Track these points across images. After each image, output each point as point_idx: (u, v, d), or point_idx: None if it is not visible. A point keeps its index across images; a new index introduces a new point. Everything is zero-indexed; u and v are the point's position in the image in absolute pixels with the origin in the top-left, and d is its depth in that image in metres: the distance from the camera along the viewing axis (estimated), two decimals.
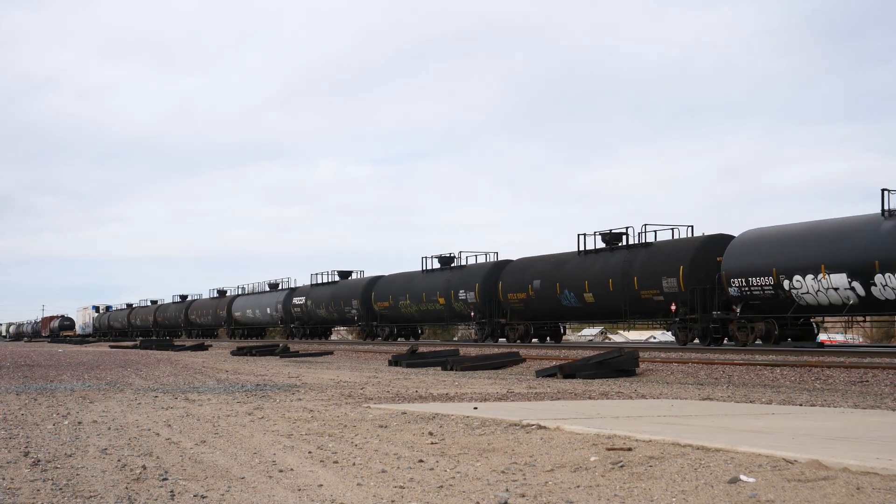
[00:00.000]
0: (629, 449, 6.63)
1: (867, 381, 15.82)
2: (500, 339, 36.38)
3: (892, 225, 22.11)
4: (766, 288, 25.00)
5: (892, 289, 21.74)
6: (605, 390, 14.60)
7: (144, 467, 6.72)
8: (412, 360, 25.14)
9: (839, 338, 45.44)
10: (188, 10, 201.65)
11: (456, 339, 48.52)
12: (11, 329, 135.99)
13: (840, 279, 22.98)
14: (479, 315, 37.25)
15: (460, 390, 14.82)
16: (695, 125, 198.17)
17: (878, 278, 22.03)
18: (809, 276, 23.71)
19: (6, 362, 28.77)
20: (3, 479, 6.30)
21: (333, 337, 55.68)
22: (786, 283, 24.35)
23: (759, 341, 25.68)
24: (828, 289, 23.38)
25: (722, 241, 27.40)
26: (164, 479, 6.23)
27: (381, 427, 8.81)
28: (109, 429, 9.18)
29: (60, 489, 5.92)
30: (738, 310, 25.87)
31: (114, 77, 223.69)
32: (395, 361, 25.50)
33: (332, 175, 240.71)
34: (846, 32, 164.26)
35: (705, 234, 28.79)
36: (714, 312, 26.58)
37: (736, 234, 27.13)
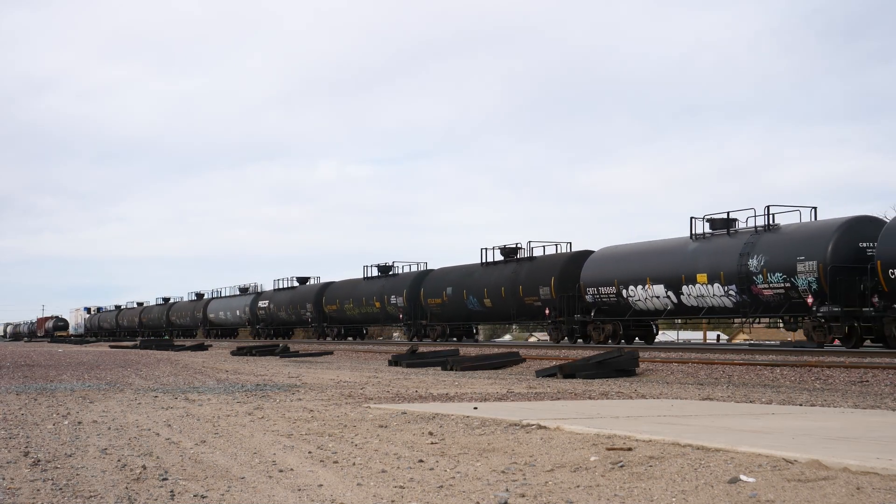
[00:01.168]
0: (629, 449, 6.63)
1: (867, 381, 15.82)
2: (424, 339, 41.52)
3: (695, 246, 28.03)
4: (611, 296, 30.68)
5: (695, 297, 27.83)
6: (605, 390, 14.60)
7: (144, 467, 6.72)
8: (412, 360, 25.14)
9: None
10: (189, 11, 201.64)
11: (393, 336, 54.82)
12: (9, 329, 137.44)
13: (660, 289, 28.93)
14: (406, 317, 42.82)
15: (460, 390, 14.82)
16: (695, 125, 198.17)
17: (685, 289, 27.99)
18: (640, 287, 29.56)
19: (6, 362, 28.77)
20: (3, 479, 6.30)
21: (295, 337, 59.12)
22: (624, 292, 30.04)
23: (609, 340, 30.98)
24: (652, 297, 29.27)
25: (585, 256, 32.90)
26: (164, 479, 6.23)
27: (381, 427, 8.81)
28: (109, 429, 9.18)
29: (60, 489, 5.92)
30: (593, 314, 31.38)
31: (114, 77, 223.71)
32: (395, 361, 25.51)
33: (333, 175, 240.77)
34: (847, 32, 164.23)
35: (571, 250, 34.46)
36: (576, 315, 32.01)
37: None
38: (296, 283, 56.71)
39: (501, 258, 37.20)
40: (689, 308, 28.26)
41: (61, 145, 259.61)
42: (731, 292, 26.52)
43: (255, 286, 63.44)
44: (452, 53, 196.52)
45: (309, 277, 56.38)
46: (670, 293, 28.48)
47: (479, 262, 38.14)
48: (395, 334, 58.51)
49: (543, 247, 35.61)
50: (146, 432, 8.87)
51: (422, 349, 28.91)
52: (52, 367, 25.28)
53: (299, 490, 5.85)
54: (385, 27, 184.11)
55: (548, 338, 35.85)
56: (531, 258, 35.60)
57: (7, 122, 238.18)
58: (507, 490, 5.65)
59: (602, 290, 30.99)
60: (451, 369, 22.09)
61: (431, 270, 42.59)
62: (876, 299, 22.79)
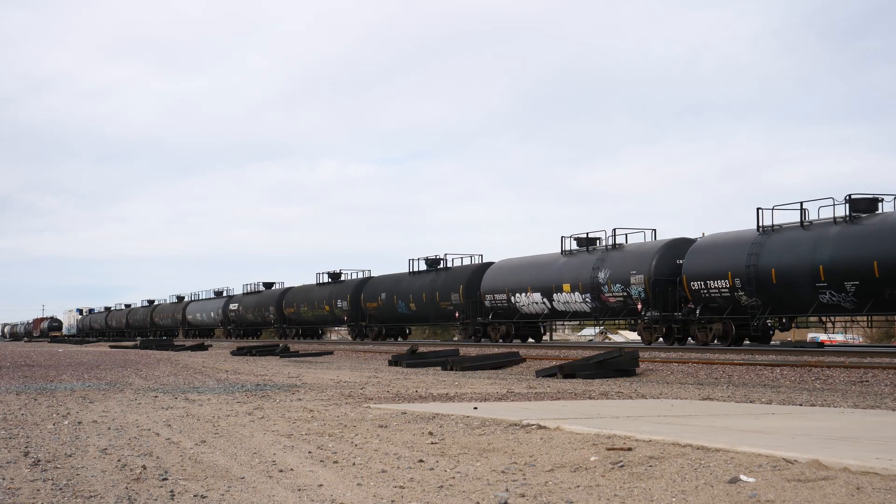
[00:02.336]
0: (629, 449, 6.63)
1: (867, 381, 15.82)
2: (365, 339, 46.20)
3: (564, 261, 33.14)
4: (503, 301, 35.75)
5: (563, 303, 32.89)
6: (605, 390, 14.60)
7: (144, 467, 6.72)
8: (412, 360, 25.14)
9: (839, 338, 45.42)
10: (189, 11, 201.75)
11: (337, 336, 59.06)
12: (6, 329, 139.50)
13: (538, 296, 33.95)
14: (350, 319, 47.72)
15: (460, 390, 14.82)
16: (696, 125, 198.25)
17: (555, 296, 33.02)
18: (524, 294, 34.58)
19: (6, 362, 28.77)
20: (3, 479, 6.30)
21: (263, 338, 63.10)
22: (512, 298, 35.12)
23: (501, 339, 35.81)
24: (532, 303, 34.30)
25: (486, 267, 38.02)
26: (164, 479, 6.23)
27: (381, 427, 8.81)
28: (109, 429, 9.18)
29: (60, 489, 5.92)
30: (491, 316, 36.54)
31: (114, 77, 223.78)
32: (395, 361, 25.50)
33: (334, 175, 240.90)
34: (848, 33, 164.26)
35: (482, 261, 39.04)
36: (478, 318, 37.11)
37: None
38: (262, 288, 61.42)
39: (426, 267, 42.03)
40: (560, 312, 33.47)
41: (61, 145, 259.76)
42: (586, 299, 31.75)
43: (229, 290, 67.80)
44: (453, 53, 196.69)
45: (274, 283, 60.92)
46: (545, 299, 33.64)
47: (408, 271, 43.29)
48: (337, 336, 63.51)
49: (461, 258, 40.84)
50: (146, 432, 8.87)
51: (421, 349, 28.91)
52: (52, 367, 25.28)
53: (299, 490, 5.85)
54: (385, 27, 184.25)
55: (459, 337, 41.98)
56: (447, 268, 40.81)
57: (7, 122, 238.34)
58: (507, 490, 5.64)
59: (497, 296, 36.15)
60: (451, 369, 22.09)
61: (371, 278, 47.75)
62: (691, 305, 27.96)
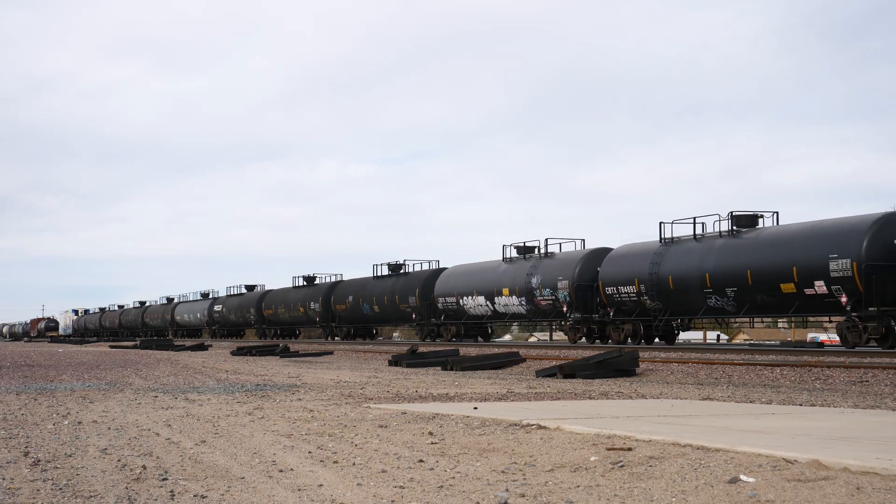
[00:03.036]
0: (629, 449, 6.63)
1: (867, 381, 15.82)
2: (335, 338, 50.17)
3: (504, 267, 36.41)
4: (453, 304, 39.05)
5: (503, 306, 36.18)
6: (605, 390, 14.59)
7: (144, 467, 6.72)
8: (412, 360, 25.13)
9: (839, 338, 45.34)
10: (189, 11, 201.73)
11: (312, 337, 60.91)
12: (5, 329, 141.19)
13: (482, 300, 37.33)
14: (321, 320, 50.94)
15: (460, 390, 14.81)
16: (697, 125, 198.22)
17: (497, 299, 36.36)
18: (470, 297, 37.95)
19: (6, 362, 28.77)
20: (3, 479, 6.30)
21: (246, 338, 65.90)
22: (461, 301, 38.56)
23: (452, 338, 39.18)
24: (478, 305, 37.67)
25: (440, 273, 41.32)
26: (164, 479, 6.23)
27: (381, 427, 8.81)
28: (109, 429, 9.18)
29: (60, 489, 5.92)
30: (443, 317, 39.83)
31: (114, 77, 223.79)
32: (395, 361, 25.50)
33: (334, 175, 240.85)
34: (848, 33, 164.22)
35: (438, 267, 42.82)
36: (432, 319, 40.43)
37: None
38: (244, 290, 64.88)
39: (389, 272, 45.39)
40: (501, 314, 36.85)
41: (62, 145, 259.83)
42: (522, 302, 35.07)
43: (214, 292, 71.00)
44: (453, 53, 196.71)
45: (255, 285, 64.76)
46: (488, 302, 37.03)
47: (372, 275, 46.85)
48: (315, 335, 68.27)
49: (420, 263, 44.52)
50: (146, 432, 8.87)
51: (421, 349, 28.91)
52: (52, 367, 25.28)
53: (299, 490, 5.85)
54: (386, 27, 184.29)
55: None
56: (406, 273, 44.19)
57: (7, 122, 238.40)
58: (507, 490, 5.64)
59: (448, 299, 39.49)
60: (451, 369, 22.08)
61: (340, 282, 51.01)
62: (608, 308, 31.13)
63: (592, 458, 6.41)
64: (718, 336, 38.67)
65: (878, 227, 22.99)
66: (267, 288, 62.05)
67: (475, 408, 10.43)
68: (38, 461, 7.02)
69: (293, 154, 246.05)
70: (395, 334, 66.94)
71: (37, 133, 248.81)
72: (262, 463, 6.89)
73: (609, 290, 30.72)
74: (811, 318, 28.76)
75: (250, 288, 64.54)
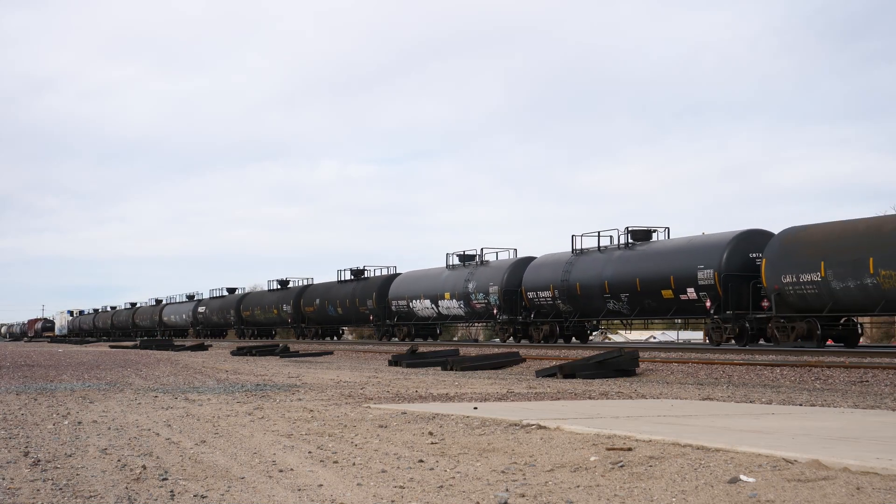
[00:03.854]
0: (629, 449, 6.63)
1: (867, 381, 15.82)
2: (306, 338, 53.56)
3: (447, 274, 40.69)
4: (404, 307, 43.40)
5: (445, 308, 40.37)
6: (605, 390, 14.59)
7: (144, 467, 6.72)
8: (412, 360, 25.13)
9: None
10: (189, 11, 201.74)
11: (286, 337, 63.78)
12: (3, 329, 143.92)
13: (428, 303, 41.34)
14: (293, 321, 55.03)
15: (460, 390, 14.82)
16: (697, 125, 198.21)
17: (440, 303, 40.47)
18: (419, 301, 42.11)
19: (6, 362, 28.77)
20: (3, 479, 6.30)
21: (228, 338, 69.70)
22: (411, 304, 42.76)
23: (405, 338, 43.39)
24: (425, 308, 41.78)
25: (395, 277, 45.43)
26: (164, 479, 6.23)
27: (381, 427, 8.81)
28: (109, 429, 9.18)
29: (60, 489, 5.92)
30: (396, 319, 44.18)
31: (114, 77, 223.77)
32: (395, 361, 25.50)
33: (334, 175, 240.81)
34: (848, 33, 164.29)
35: (393, 273, 46.87)
36: (387, 320, 44.88)
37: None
38: (225, 293, 68.76)
39: (351, 277, 49.85)
40: (444, 316, 41.05)
41: (61, 145, 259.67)
42: (461, 305, 39.25)
43: (199, 294, 74.71)
44: (453, 53, 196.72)
45: (236, 288, 68.96)
46: (434, 305, 41.11)
47: (336, 280, 51.20)
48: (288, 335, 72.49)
49: (378, 269, 48.73)
50: (146, 432, 8.87)
51: (421, 349, 28.91)
52: (52, 367, 25.28)
53: (299, 490, 5.85)
54: (386, 27, 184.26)
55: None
56: (366, 278, 48.38)
57: (7, 122, 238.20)
58: (507, 490, 5.64)
59: (399, 302, 43.74)
60: (451, 369, 22.08)
61: (309, 286, 54.85)
62: (533, 312, 35.14)
63: (592, 458, 6.41)
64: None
65: (736, 242, 26.95)
66: (246, 290, 66.64)
67: (475, 408, 10.43)
68: (38, 461, 7.02)
69: (293, 154, 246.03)
70: (349, 336, 70.85)
71: (37, 133, 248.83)
72: (262, 463, 6.89)
73: (530, 294, 34.82)
74: (686, 319, 33.27)
75: (231, 290, 68.36)
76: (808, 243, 24.55)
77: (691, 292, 27.78)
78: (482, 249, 39.58)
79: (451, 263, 41.11)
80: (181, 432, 8.83)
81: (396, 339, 44.18)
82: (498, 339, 38.74)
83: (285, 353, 34.86)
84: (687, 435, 7.15)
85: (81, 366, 25.96)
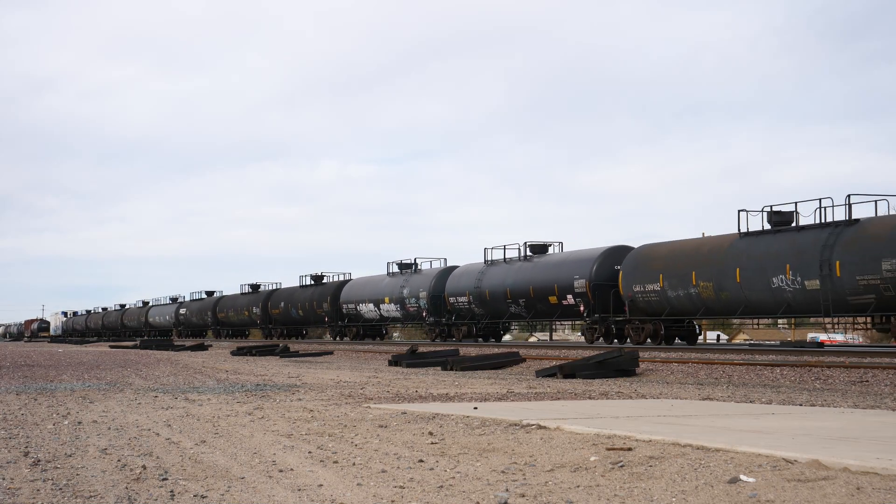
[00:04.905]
0: (629, 449, 6.63)
1: (867, 381, 15.82)
2: (274, 337, 57.97)
3: (388, 280, 45.11)
4: (353, 310, 48.00)
5: (385, 311, 45.07)
6: (605, 390, 14.59)
7: (144, 467, 6.72)
8: (412, 360, 25.13)
9: (839, 338, 45.47)
10: (189, 11, 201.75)
11: (258, 337, 67.56)
12: (1, 330, 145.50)
13: (372, 306, 46.07)
14: (262, 322, 59.94)
15: (460, 390, 14.81)
16: (696, 125, 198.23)
17: (382, 306, 45.11)
18: (363, 304, 46.84)
19: (6, 362, 28.76)
20: (3, 479, 6.30)
21: (208, 338, 72.86)
22: (358, 307, 47.46)
23: (356, 338, 48.02)
24: (370, 311, 46.36)
25: (346, 283, 50.21)
26: (164, 479, 6.23)
27: (381, 427, 8.81)
28: (109, 429, 9.18)
29: (60, 489, 5.92)
30: (346, 321, 49.13)
31: (115, 77, 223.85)
32: (395, 361, 25.49)
33: (334, 175, 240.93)
34: (848, 33, 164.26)
35: (346, 279, 51.40)
36: (339, 322, 49.68)
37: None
38: (204, 296, 72.71)
39: (311, 282, 53.88)
40: (385, 318, 45.63)
41: (62, 145, 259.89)
42: (398, 309, 43.79)
43: (181, 297, 78.27)
44: (453, 53, 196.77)
45: (214, 291, 72.53)
46: (376, 308, 45.66)
47: (298, 284, 55.43)
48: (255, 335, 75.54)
49: (334, 275, 53.29)
50: (146, 432, 8.87)
51: (421, 349, 28.91)
52: (52, 367, 25.27)
53: (299, 490, 5.85)
54: (386, 27, 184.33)
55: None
56: (323, 283, 52.89)
57: (7, 122, 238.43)
58: (507, 490, 5.64)
59: (350, 305, 48.40)
60: (451, 369, 22.08)
61: (276, 290, 59.55)
62: (454, 315, 39.89)
63: (592, 458, 6.41)
64: (718, 336, 39.39)
65: (603, 258, 31.91)
66: (281, 285, 68.18)
67: (475, 408, 10.43)
68: (38, 461, 7.02)
69: (293, 154, 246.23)
70: (304, 337, 74.22)
71: (37, 133, 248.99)
72: (262, 463, 6.89)
73: (451, 299, 39.67)
74: (571, 321, 37.90)
75: (210, 293, 72.52)
76: (651, 259, 29.45)
77: (570, 298, 32.72)
78: (416, 259, 44.92)
79: (391, 271, 45.78)
80: (181, 432, 8.83)
81: (348, 338, 48.96)
82: (427, 339, 42.58)
83: (285, 353, 34.85)
84: (687, 435, 7.15)
85: (81, 366, 25.95)
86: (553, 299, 33.43)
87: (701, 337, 34.91)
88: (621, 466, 6.08)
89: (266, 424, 9.34)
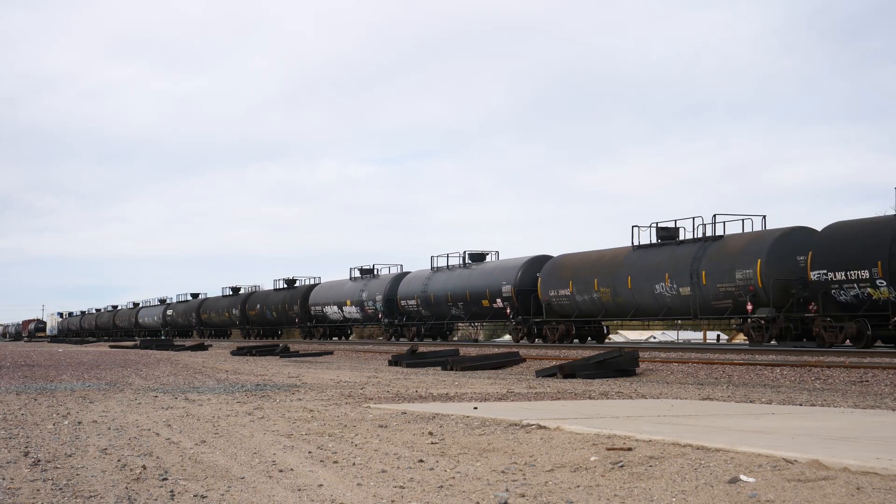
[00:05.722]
0: (629, 449, 6.63)
1: (867, 381, 15.82)
2: (252, 337, 61.96)
3: (350, 284, 49.74)
4: (319, 311, 52.28)
5: (349, 313, 49.32)
6: (605, 390, 14.59)
7: (144, 467, 6.72)
8: (412, 360, 25.12)
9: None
10: (190, 11, 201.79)
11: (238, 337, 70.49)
12: None
13: (336, 308, 50.55)
14: (241, 323, 64.00)
15: (460, 390, 14.81)
16: (697, 125, 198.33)
17: (345, 308, 49.41)
18: (328, 307, 51.33)
19: (6, 362, 28.77)
20: (3, 479, 6.30)
21: (193, 338, 75.64)
22: (324, 310, 51.75)
23: (323, 338, 52.15)
24: (334, 313, 50.84)
25: (313, 287, 54.45)
26: (164, 479, 6.23)
27: (381, 427, 8.81)
28: (109, 429, 9.18)
29: (60, 489, 5.92)
30: (314, 322, 53.31)
31: (115, 77, 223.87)
32: (395, 361, 25.49)
33: (335, 175, 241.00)
34: (849, 32, 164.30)
35: (315, 283, 55.71)
36: (308, 323, 54.13)
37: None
38: (189, 298, 76.71)
39: (284, 286, 58.27)
40: (348, 319, 50.10)
41: (62, 145, 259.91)
42: (358, 311, 48.21)
43: (169, 298, 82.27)
44: (454, 53, 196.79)
45: (198, 293, 76.29)
46: (339, 310, 50.17)
47: (272, 288, 60.16)
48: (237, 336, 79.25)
49: (306, 279, 57.30)
50: (146, 432, 8.87)
51: (421, 349, 28.90)
52: (52, 367, 25.27)
53: (299, 490, 5.85)
54: (386, 27, 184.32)
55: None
56: (295, 287, 56.89)
57: (7, 122, 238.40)
58: (507, 490, 5.64)
59: (316, 308, 52.41)
60: (451, 369, 22.08)
61: (253, 293, 63.61)
62: (405, 316, 44.40)
63: (592, 458, 6.41)
64: (718, 336, 39.52)
65: (527, 265, 36.02)
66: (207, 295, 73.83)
67: (475, 408, 10.43)
68: (38, 461, 7.02)
69: (293, 154, 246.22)
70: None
71: (37, 133, 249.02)
72: (262, 463, 6.89)
73: (403, 302, 44.05)
74: (502, 322, 42.57)
75: (195, 295, 76.28)
76: (563, 268, 33.63)
77: (499, 302, 36.91)
78: (374, 265, 49.63)
79: (352, 276, 50.37)
80: (181, 432, 8.83)
81: (316, 338, 52.96)
82: (382, 338, 47.31)
83: (285, 353, 34.86)
84: (687, 435, 7.15)
85: (81, 366, 25.95)
86: (486, 302, 37.80)
87: (614, 337, 41.50)
88: (621, 466, 6.08)
89: (266, 424, 9.34)
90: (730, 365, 19.01)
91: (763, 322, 25.54)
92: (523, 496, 5.48)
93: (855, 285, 23.02)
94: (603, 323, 33.94)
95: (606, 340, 36.22)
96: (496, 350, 27.83)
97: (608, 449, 6.70)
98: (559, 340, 33.08)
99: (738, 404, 11.39)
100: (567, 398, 12.72)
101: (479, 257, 40.63)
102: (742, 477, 5.45)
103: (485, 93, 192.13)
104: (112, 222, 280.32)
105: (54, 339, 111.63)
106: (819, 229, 25.07)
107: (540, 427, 8.08)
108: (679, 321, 33.54)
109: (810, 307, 24.45)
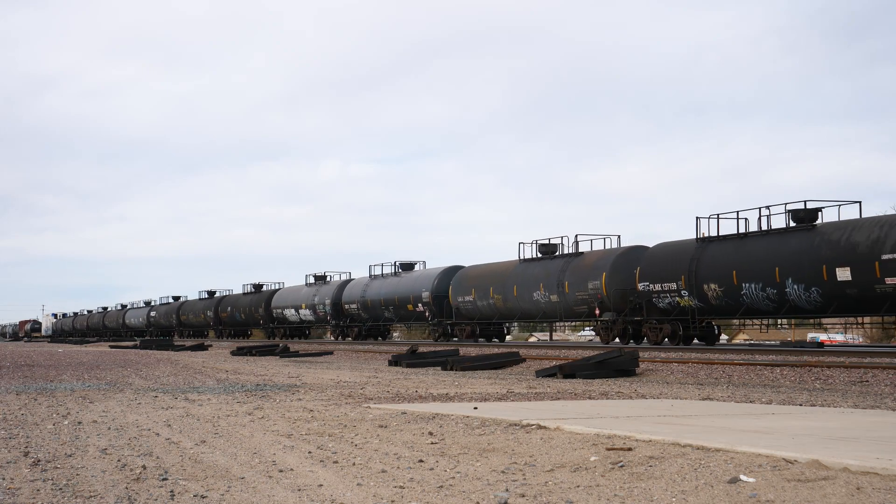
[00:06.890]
0: (629, 449, 6.63)
1: (867, 381, 15.82)
2: (223, 338, 65.31)
3: (306, 289, 53.99)
4: (280, 314, 56.69)
5: (304, 315, 53.54)
6: (605, 390, 14.59)
7: (144, 467, 6.72)
8: (412, 360, 25.12)
9: (839, 338, 45.49)
10: (191, 10, 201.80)
11: (211, 337, 73.05)
12: None
13: (293, 311, 54.78)
14: (213, 324, 67.97)
15: (460, 390, 14.81)
16: (698, 125, 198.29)
17: (300, 311, 53.68)
18: (287, 310, 55.86)
19: (6, 362, 28.76)
20: (3, 479, 6.30)
21: (175, 339, 78.66)
22: (283, 312, 56.30)
23: (283, 338, 55.22)
24: (292, 315, 55.31)
25: (276, 291, 59.07)
26: (164, 479, 6.23)
27: (381, 427, 8.80)
28: (109, 429, 9.18)
29: (60, 489, 5.92)
30: (276, 323, 57.55)
31: (116, 77, 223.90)
32: (395, 361, 25.48)
33: (335, 175, 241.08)
34: (851, 32, 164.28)
35: (278, 287, 60.17)
36: (271, 324, 58.53)
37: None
38: (171, 300, 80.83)
39: (252, 290, 62.67)
40: (304, 321, 54.52)
41: (63, 145, 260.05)
42: (311, 313, 52.74)
43: (152, 301, 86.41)
44: (455, 53, 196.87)
45: (180, 296, 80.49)
46: (297, 313, 54.49)
47: (242, 292, 64.54)
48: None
49: (272, 284, 61.64)
50: (146, 432, 8.86)
51: (421, 349, 28.90)
52: (52, 367, 25.27)
53: (299, 490, 5.85)
54: (387, 27, 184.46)
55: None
56: (261, 291, 61.28)
57: (8, 122, 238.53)
58: (507, 490, 5.64)
59: (278, 310, 57.29)
60: (451, 369, 22.07)
61: (225, 296, 67.73)
62: (348, 318, 49.65)
63: (592, 458, 6.41)
64: (719, 332, 39.78)
65: (443, 274, 41.62)
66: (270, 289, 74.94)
67: (475, 408, 10.43)
68: (38, 461, 7.02)
69: (294, 154, 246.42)
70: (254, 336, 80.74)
71: (37, 133, 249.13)
72: (262, 463, 6.89)
73: (346, 306, 49.04)
74: (423, 323, 45.51)
75: (176, 298, 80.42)
76: (468, 277, 39.32)
77: (420, 306, 42.17)
78: (325, 272, 54.32)
79: (308, 282, 54.82)
80: (181, 432, 8.83)
81: (277, 338, 56.63)
82: (331, 337, 52.02)
83: (285, 353, 34.85)
84: (687, 435, 7.15)
85: (81, 366, 25.95)
86: (410, 307, 43.04)
87: (556, 334, 45.84)
88: (621, 466, 6.08)
89: (266, 424, 9.34)
90: (730, 365, 19.00)
91: (608, 323, 31.22)
92: (523, 496, 5.48)
93: (668, 294, 28.69)
94: (504, 325, 39.90)
95: (507, 339, 42.27)
96: (496, 350, 27.82)
97: (608, 449, 6.70)
98: (466, 339, 38.61)
99: (738, 404, 11.39)
100: (567, 398, 12.72)
101: (408, 266, 45.98)
102: (742, 477, 5.45)
103: (485, 93, 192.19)
104: (112, 222, 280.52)
105: (55, 339, 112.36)
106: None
107: (540, 427, 8.08)
108: (550, 323, 38.01)
109: (643, 312, 29.78)
